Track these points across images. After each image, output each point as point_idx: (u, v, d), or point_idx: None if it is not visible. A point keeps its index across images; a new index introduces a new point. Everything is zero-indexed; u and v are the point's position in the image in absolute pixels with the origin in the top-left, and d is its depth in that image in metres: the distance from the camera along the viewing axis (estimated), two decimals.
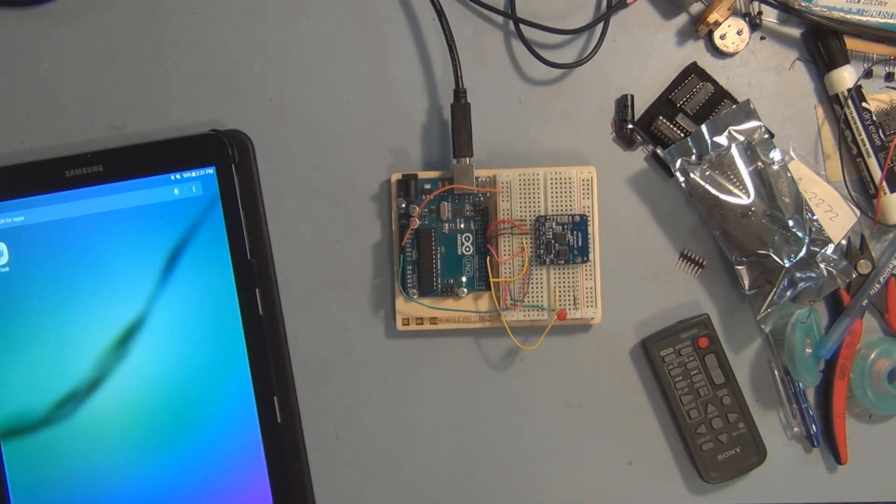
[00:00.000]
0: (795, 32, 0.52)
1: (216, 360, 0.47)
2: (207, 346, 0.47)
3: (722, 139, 0.50)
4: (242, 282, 0.47)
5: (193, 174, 0.47)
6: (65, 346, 0.47)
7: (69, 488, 0.47)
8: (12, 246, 0.47)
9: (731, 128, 0.50)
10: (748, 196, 0.49)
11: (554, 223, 0.49)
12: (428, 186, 0.50)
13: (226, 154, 0.47)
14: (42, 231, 0.47)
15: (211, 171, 0.47)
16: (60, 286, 0.47)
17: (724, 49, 0.51)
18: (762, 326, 0.51)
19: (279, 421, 0.47)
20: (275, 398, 0.47)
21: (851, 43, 0.51)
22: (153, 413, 0.47)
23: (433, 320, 0.50)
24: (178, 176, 0.47)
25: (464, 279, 0.50)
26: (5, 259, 0.47)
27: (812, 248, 0.49)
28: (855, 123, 0.50)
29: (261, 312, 0.47)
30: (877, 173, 0.50)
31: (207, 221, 0.47)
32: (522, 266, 0.49)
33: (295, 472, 0.47)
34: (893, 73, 0.52)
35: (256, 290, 0.47)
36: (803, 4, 0.49)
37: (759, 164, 0.49)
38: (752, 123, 0.50)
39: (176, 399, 0.47)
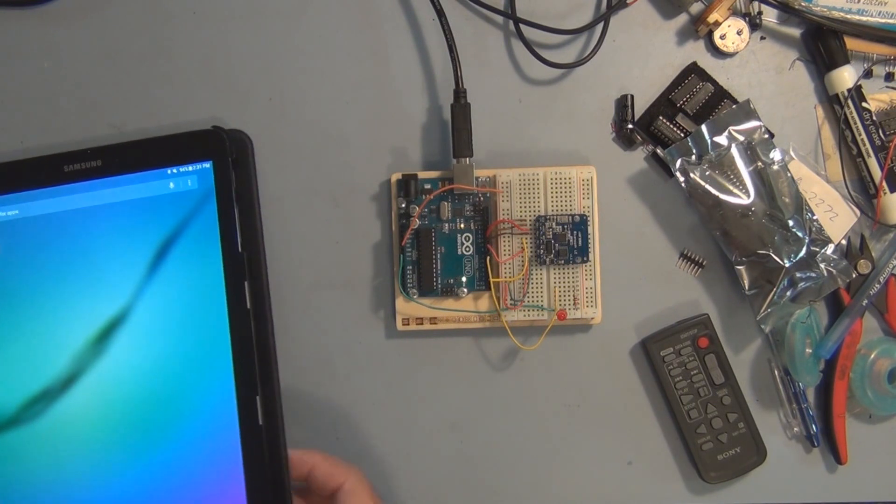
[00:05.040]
0: (795, 32, 0.52)
1: (198, 357, 0.45)
2: (190, 341, 0.45)
3: (722, 139, 0.50)
4: (231, 274, 0.45)
5: (190, 168, 0.46)
6: (42, 341, 0.45)
7: (33, 494, 0.44)
8: (2, 239, 0.46)
9: (731, 128, 0.50)
10: (748, 196, 0.49)
11: (554, 223, 0.49)
12: (428, 186, 0.50)
13: (223, 149, 0.46)
14: (34, 224, 0.46)
15: (208, 165, 0.46)
16: (47, 280, 0.46)
17: (724, 49, 0.51)
18: (762, 326, 0.51)
19: (260, 423, 0.44)
20: (257, 398, 0.44)
21: (851, 43, 0.51)
22: (127, 413, 0.45)
23: (433, 320, 0.50)
24: (174, 170, 0.46)
25: (464, 279, 0.50)
26: None
27: (812, 248, 0.49)
28: (855, 123, 0.50)
29: (248, 306, 0.45)
30: (877, 173, 0.50)
31: (200, 214, 0.46)
32: (522, 266, 0.49)
33: (275, 479, 0.44)
34: (893, 73, 0.52)
35: (245, 283, 0.45)
36: (803, 4, 0.49)
37: (759, 164, 0.49)
38: (752, 123, 0.50)
39: (152, 398, 0.45)
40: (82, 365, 0.44)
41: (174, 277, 0.45)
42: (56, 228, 0.46)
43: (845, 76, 0.50)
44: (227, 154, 0.46)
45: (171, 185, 0.46)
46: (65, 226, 0.46)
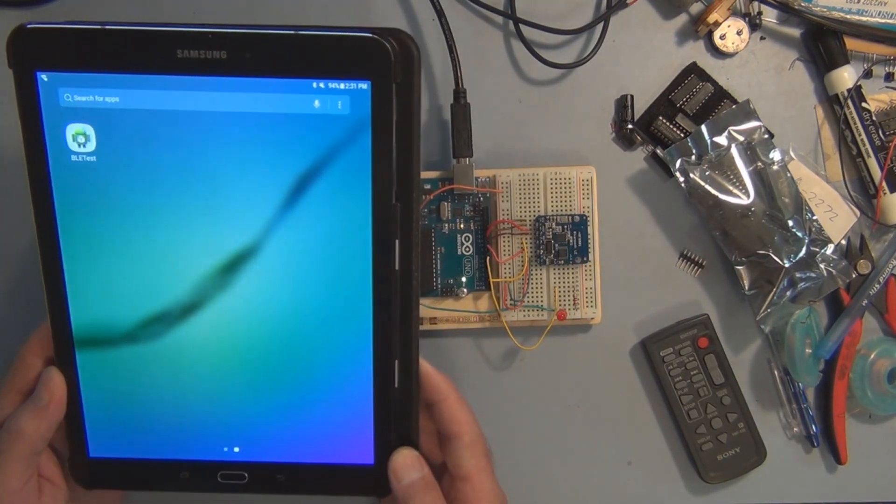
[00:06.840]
0: (795, 32, 0.52)
1: (335, 311, 0.41)
2: (327, 293, 0.40)
3: (722, 139, 0.50)
4: (381, 228, 0.39)
5: (342, 86, 0.38)
6: (160, 262, 0.40)
7: (151, 408, 0.42)
8: (101, 131, 0.39)
9: (730, 128, 0.50)
10: (748, 196, 0.49)
11: (554, 223, 0.49)
12: (428, 186, 0.50)
13: (387, 67, 0.37)
14: (140, 120, 0.39)
15: (365, 86, 0.38)
16: (160, 191, 0.39)
17: (724, 49, 0.51)
18: (762, 326, 0.51)
19: (396, 386, 0.41)
20: (396, 362, 0.41)
21: (851, 43, 0.51)
22: (251, 350, 0.41)
23: (433, 320, 0.50)
24: (321, 84, 0.38)
25: (464, 279, 0.50)
26: (92, 146, 0.39)
27: (812, 248, 0.49)
28: (855, 123, 0.50)
29: (397, 267, 0.39)
30: (876, 173, 0.50)
31: (351, 148, 0.38)
32: (522, 266, 0.49)
33: (403, 438, 0.42)
34: (893, 73, 0.52)
35: (396, 242, 0.39)
36: (803, 4, 0.49)
37: (759, 164, 0.49)
38: (752, 123, 0.50)
39: (279, 342, 0.41)
40: (205, 294, 0.40)
41: (314, 219, 0.39)
42: (168, 131, 0.39)
43: (845, 76, 0.50)
44: (391, 77, 0.37)
45: (317, 103, 0.38)
46: (179, 130, 0.39)
